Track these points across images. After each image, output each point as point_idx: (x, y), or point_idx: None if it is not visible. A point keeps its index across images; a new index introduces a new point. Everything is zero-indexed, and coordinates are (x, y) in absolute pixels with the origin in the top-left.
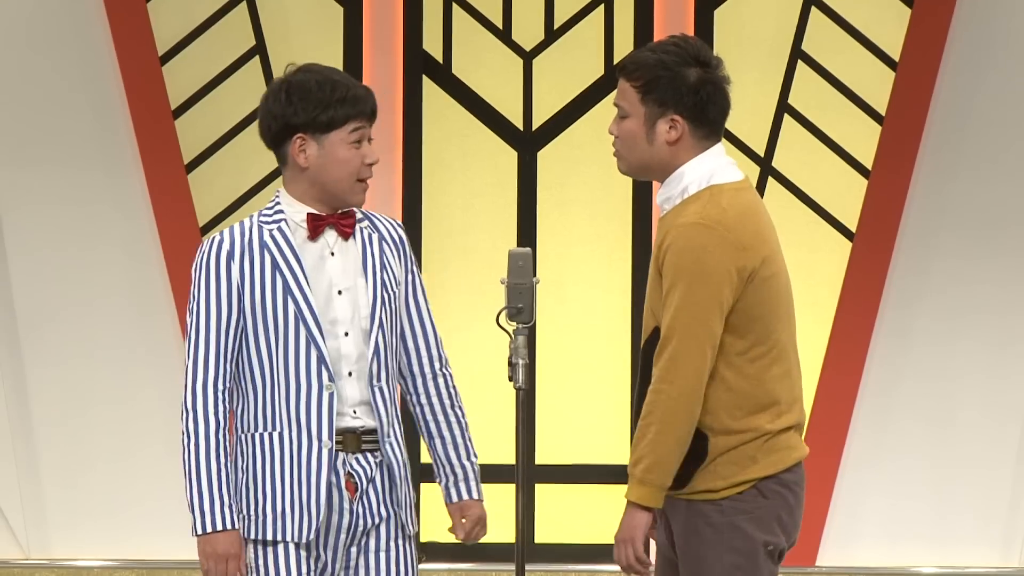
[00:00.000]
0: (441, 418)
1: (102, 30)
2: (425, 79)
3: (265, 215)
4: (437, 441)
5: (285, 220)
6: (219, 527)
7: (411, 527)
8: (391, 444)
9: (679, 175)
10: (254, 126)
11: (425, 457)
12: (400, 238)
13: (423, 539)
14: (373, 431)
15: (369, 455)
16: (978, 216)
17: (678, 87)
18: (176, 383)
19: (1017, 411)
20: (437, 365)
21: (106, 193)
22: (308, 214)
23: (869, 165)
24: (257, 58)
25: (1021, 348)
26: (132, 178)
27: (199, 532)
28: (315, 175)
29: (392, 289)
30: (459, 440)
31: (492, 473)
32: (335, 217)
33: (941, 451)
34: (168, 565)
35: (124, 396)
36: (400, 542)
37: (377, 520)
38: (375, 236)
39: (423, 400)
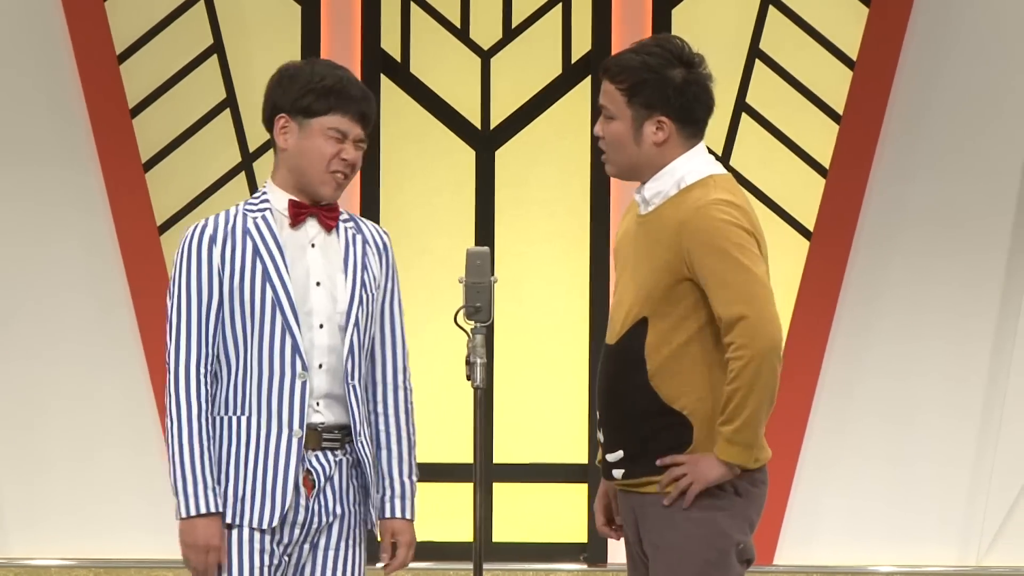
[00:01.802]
0: (393, 431)
1: (60, 28)
2: (383, 78)
3: (251, 203)
4: (384, 452)
5: (270, 209)
6: (201, 510)
7: (370, 523)
8: (363, 443)
9: (670, 169)
10: (212, 124)
11: None
12: (385, 245)
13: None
14: (333, 428)
15: (329, 452)
16: (935, 215)
17: (664, 89)
18: (134, 380)
19: (975, 410)
20: (401, 377)
21: (64, 191)
22: (289, 200)
23: (827, 164)
24: (215, 57)
25: (979, 347)
26: (90, 176)
27: (181, 516)
28: (291, 159)
29: (371, 290)
30: (404, 456)
31: (450, 472)
32: (317, 208)
33: (899, 450)
34: (127, 564)
35: (82, 393)
36: (351, 541)
37: (331, 518)
38: (359, 237)
39: (380, 409)
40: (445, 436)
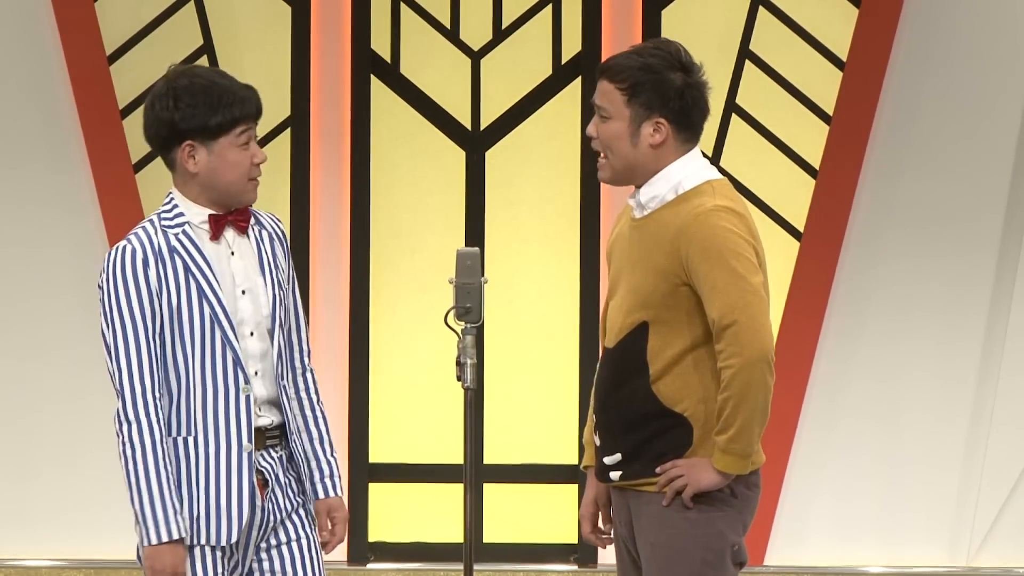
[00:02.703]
0: (309, 413)
1: (49, 29)
2: (373, 79)
3: (165, 218)
4: (305, 435)
5: (188, 223)
6: (172, 536)
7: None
8: (296, 438)
9: (666, 174)
10: None
11: (373, 457)
12: (283, 232)
13: (371, 539)
14: (274, 427)
15: (271, 451)
16: (925, 215)
17: (664, 91)
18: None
19: (964, 410)
20: (307, 359)
21: (54, 192)
22: (209, 216)
23: (817, 165)
24: (205, 58)
25: (968, 346)
26: (80, 177)
27: (148, 543)
28: (206, 179)
29: (284, 286)
30: (325, 436)
31: (441, 473)
32: (232, 215)
33: (889, 450)
34: (116, 565)
35: (71, 394)
36: (308, 531)
37: (283, 514)
38: (264, 233)
39: (291, 394)
40: (435, 437)
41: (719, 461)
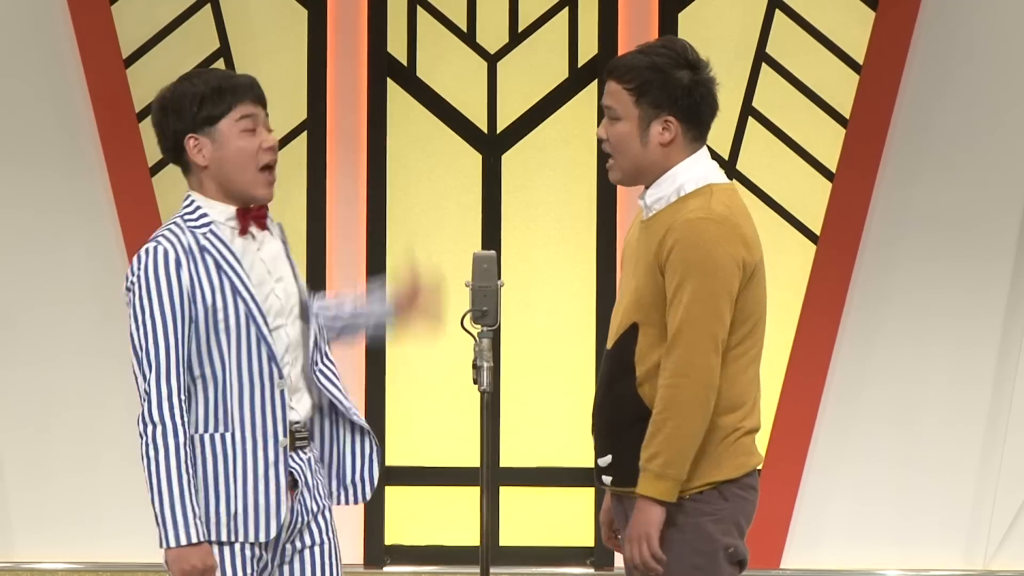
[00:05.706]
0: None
1: (66, 32)
2: (389, 82)
3: (189, 219)
4: (342, 299)
5: (213, 222)
6: (193, 540)
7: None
8: (356, 415)
9: (672, 175)
10: None
11: (390, 460)
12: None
13: (387, 542)
14: (302, 425)
15: (301, 452)
16: (942, 219)
17: (672, 89)
18: None
19: (980, 413)
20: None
21: (70, 196)
22: (237, 210)
23: (833, 168)
24: (221, 60)
25: (984, 351)
26: (96, 181)
27: (170, 545)
28: (217, 171)
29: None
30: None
31: (457, 476)
32: (256, 210)
33: (905, 454)
34: (133, 568)
35: (88, 398)
36: (330, 535)
37: (309, 516)
38: (275, 229)
39: (332, 300)
40: (452, 440)
41: (650, 488)
